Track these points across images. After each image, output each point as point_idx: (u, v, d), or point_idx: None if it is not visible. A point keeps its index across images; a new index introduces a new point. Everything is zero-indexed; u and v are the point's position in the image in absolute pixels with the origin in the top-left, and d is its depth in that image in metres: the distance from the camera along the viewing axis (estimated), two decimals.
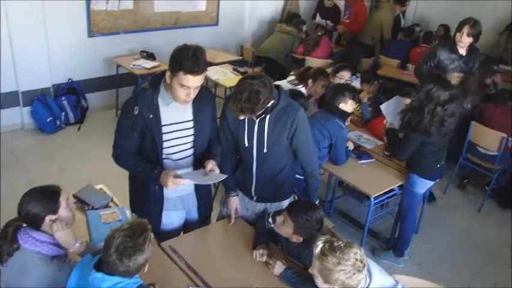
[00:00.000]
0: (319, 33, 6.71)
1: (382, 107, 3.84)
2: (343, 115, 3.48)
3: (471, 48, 4.46)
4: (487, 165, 4.68)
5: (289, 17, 7.52)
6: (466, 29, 4.28)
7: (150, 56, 5.82)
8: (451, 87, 3.40)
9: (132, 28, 6.13)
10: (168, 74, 2.34)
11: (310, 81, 3.92)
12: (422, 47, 6.87)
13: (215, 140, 2.74)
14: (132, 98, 2.49)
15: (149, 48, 6.02)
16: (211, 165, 2.51)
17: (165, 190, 2.56)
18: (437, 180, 3.66)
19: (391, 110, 3.73)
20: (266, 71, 6.46)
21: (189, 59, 2.23)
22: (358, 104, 4.47)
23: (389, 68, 6.63)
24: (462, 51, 4.43)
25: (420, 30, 7.61)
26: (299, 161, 2.73)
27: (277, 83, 4.03)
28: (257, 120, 2.52)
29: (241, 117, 2.43)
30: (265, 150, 2.59)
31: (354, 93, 3.56)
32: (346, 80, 4.22)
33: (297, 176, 2.89)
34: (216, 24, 7.11)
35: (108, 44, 5.98)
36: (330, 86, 3.79)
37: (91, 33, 5.79)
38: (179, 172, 2.47)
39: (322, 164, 3.51)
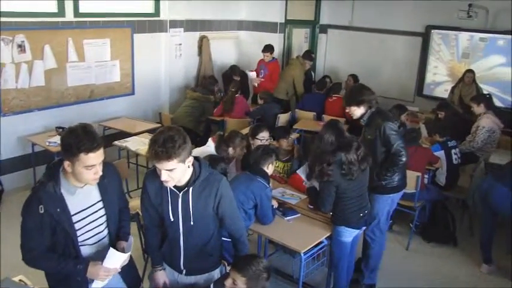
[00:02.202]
0: (233, 89, 6.87)
1: (299, 171, 3.98)
2: (267, 176, 3.60)
3: (371, 115, 3.86)
4: (407, 204, 4.88)
5: (205, 81, 7.68)
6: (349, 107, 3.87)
7: None
8: (343, 135, 3.58)
9: (46, 104, 5.99)
10: (66, 163, 2.26)
11: (230, 149, 3.98)
12: (333, 97, 7.21)
13: (125, 211, 2.73)
14: (34, 197, 2.34)
15: (65, 123, 5.83)
16: (123, 246, 2.54)
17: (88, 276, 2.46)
18: (364, 228, 3.76)
19: (307, 172, 3.86)
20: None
21: (83, 138, 2.21)
22: (282, 162, 4.62)
23: (306, 120, 6.89)
24: (362, 122, 3.92)
25: (331, 82, 8.02)
26: (226, 228, 2.73)
27: (198, 149, 4.11)
28: (180, 194, 2.51)
29: (156, 164, 2.35)
30: (191, 223, 2.56)
31: (278, 157, 3.78)
32: (266, 140, 4.35)
33: (223, 238, 2.88)
34: (133, 93, 7.11)
35: (20, 122, 5.78)
36: (255, 148, 3.87)
37: (1, 113, 5.58)
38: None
39: (249, 225, 3.52)
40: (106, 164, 2.45)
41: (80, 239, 2.45)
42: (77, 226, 2.41)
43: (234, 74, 7.82)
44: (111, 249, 2.43)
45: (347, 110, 3.93)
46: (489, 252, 4.62)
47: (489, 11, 7.85)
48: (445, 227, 5.11)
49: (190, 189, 2.50)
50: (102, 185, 2.47)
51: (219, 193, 2.54)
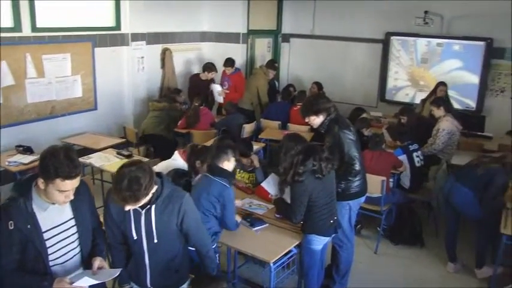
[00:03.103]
0: (196, 103, 6.83)
1: (263, 184, 3.97)
2: (227, 175, 3.45)
3: (329, 123, 3.87)
4: (374, 208, 4.95)
5: (169, 92, 7.63)
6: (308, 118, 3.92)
7: (28, 150, 5.49)
8: (305, 142, 3.61)
9: (4, 122, 5.80)
10: (40, 180, 2.22)
11: (198, 162, 3.94)
12: (298, 105, 7.26)
13: (98, 230, 2.67)
14: (3, 213, 2.28)
15: (26, 141, 5.71)
16: (98, 262, 2.44)
17: None
18: (333, 235, 3.77)
19: (272, 184, 3.86)
20: (155, 149, 6.44)
21: (63, 163, 2.16)
22: (247, 172, 4.62)
23: (271, 130, 6.91)
24: (322, 129, 3.93)
25: (295, 90, 8.09)
26: (191, 244, 2.71)
27: (164, 162, 4.07)
28: (143, 211, 2.48)
29: (126, 208, 2.37)
30: (155, 241, 2.54)
31: (236, 151, 3.57)
32: None
33: (189, 247, 2.85)
34: (95, 108, 7.00)
35: None
36: (210, 146, 3.76)
37: None
38: (69, 277, 2.33)
39: (220, 232, 3.49)
40: (80, 182, 2.40)
41: (51, 257, 2.40)
42: (48, 243, 2.36)
43: (210, 71, 7.70)
44: (86, 278, 2.37)
45: (306, 120, 3.95)
46: (454, 251, 4.74)
47: (444, 17, 8.10)
48: (412, 229, 5.20)
49: (153, 206, 2.48)
50: (75, 202, 2.42)
51: (182, 209, 2.53)
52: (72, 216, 2.45)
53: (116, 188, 2.29)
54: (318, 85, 8.21)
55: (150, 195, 2.41)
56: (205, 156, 3.93)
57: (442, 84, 7.26)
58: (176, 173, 3.45)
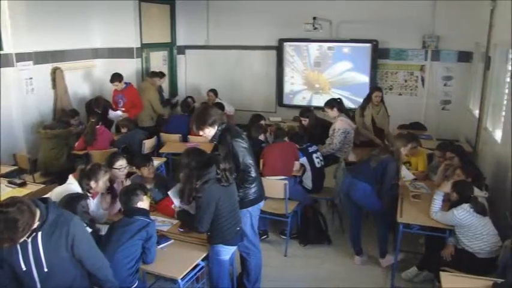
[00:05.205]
0: (93, 120, 6.52)
1: (170, 193, 3.91)
2: (145, 211, 3.46)
3: (221, 133, 3.89)
4: (279, 212, 5.02)
5: (63, 114, 7.25)
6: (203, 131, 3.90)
7: None
8: (204, 155, 3.66)
9: None
10: None
11: (92, 182, 3.79)
12: None
13: None
14: None
15: None
16: None
17: None
18: (239, 243, 3.78)
19: (178, 194, 3.80)
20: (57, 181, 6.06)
21: None
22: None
23: (172, 143, 6.83)
24: (215, 140, 3.94)
25: (193, 101, 8.07)
26: (87, 269, 2.59)
27: (59, 188, 3.86)
28: (29, 240, 2.36)
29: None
30: (45, 269, 2.42)
31: (146, 188, 3.62)
32: (125, 167, 4.29)
33: None
34: None
35: None
36: (120, 192, 3.65)
37: None
38: None
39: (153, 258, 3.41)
40: None
41: None
42: None
43: (97, 107, 7.32)
44: None
45: (201, 134, 3.93)
46: (359, 245, 4.95)
47: (332, 22, 8.51)
48: (318, 229, 5.34)
49: (39, 234, 2.37)
50: None
51: (71, 233, 2.44)
52: None
53: None
54: (214, 92, 8.29)
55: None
56: (97, 174, 3.82)
57: (377, 89, 6.83)
58: (70, 198, 3.30)
